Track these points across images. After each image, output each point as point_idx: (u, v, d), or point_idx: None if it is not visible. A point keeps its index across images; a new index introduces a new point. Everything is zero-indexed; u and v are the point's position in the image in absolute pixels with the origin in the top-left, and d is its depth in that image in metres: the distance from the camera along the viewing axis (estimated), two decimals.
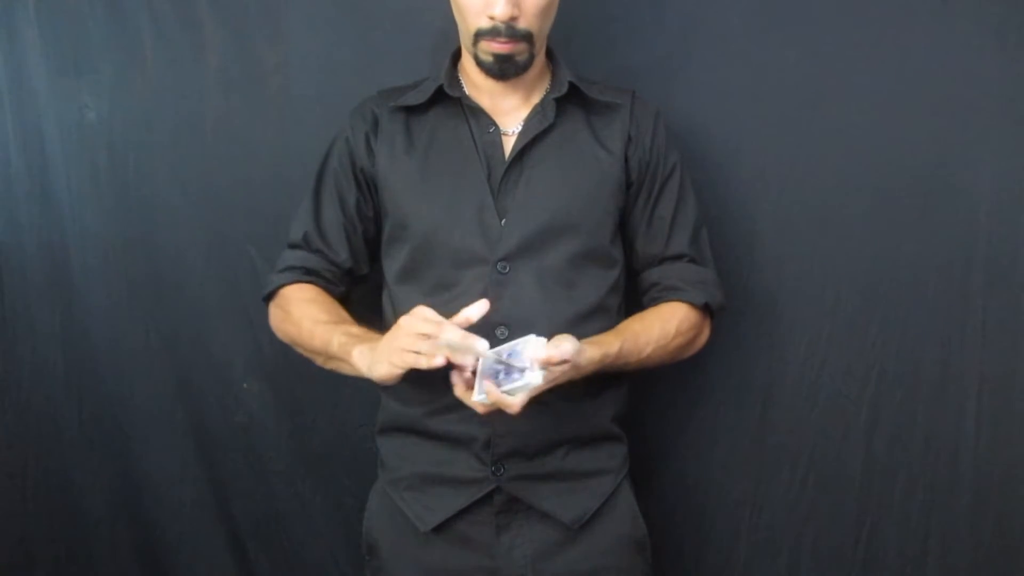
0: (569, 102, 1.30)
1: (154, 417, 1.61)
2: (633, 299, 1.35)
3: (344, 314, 1.29)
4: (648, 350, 1.24)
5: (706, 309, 1.32)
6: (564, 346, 1.11)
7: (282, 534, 1.64)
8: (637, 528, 1.33)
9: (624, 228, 1.34)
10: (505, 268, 1.23)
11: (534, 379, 1.09)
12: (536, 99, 1.30)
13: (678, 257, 1.32)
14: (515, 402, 1.09)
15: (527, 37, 1.21)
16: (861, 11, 1.43)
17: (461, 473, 1.25)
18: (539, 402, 1.21)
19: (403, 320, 1.11)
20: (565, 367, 1.11)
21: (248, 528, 1.64)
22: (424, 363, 1.08)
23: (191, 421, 1.61)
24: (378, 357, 1.13)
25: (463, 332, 1.07)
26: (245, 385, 1.60)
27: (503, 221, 1.24)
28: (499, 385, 1.09)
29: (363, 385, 1.35)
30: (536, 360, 1.08)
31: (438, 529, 1.26)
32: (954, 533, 1.49)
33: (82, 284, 1.59)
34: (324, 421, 1.60)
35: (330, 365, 1.26)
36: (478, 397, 1.11)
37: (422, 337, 1.08)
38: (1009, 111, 1.41)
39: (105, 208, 1.57)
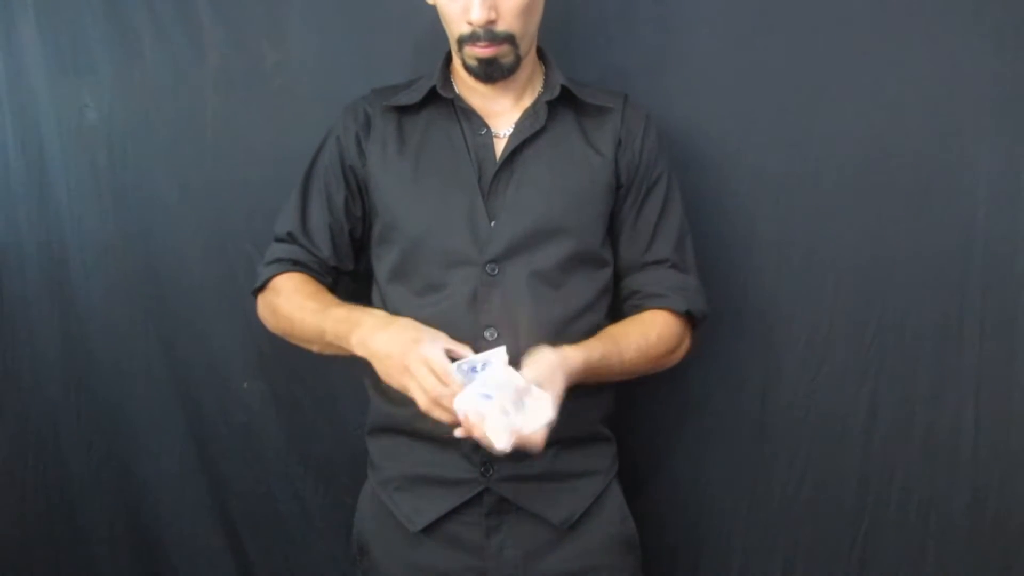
0: (561, 104, 1.29)
1: (154, 417, 1.61)
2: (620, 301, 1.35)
3: (332, 298, 1.29)
4: (629, 355, 1.23)
5: (688, 317, 1.31)
6: (546, 358, 1.12)
7: (282, 534, 1.64)
8: (626, 528, 1.33)
9: (610, 231, 1.33)
10: (494, 270, 1.23)
11: (548, 412, 1.07)
12: (528, 101, 1.30)
13: (660, 262, 1.32)
14: (540, 440, 1.08)
15: (509, 39, 1.21)
16: (859, 11, 1.43)
17: (451, 474, 1.25)
18: None
19: (424, 365, 1.10)
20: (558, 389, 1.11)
21: (248, 528, 1.64)
22: (422, 405, 1.11)
23: (191, 421, 1.61)
24: (390, 368, 1.14)
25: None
26: (245, 385, 1.60)
27: (493, 223, 1.24)
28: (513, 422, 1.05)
29: (362, 385, 1.35)
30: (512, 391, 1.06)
31: (428, 530, 1.26)
32: (952, 533, 1.49)
33: (81, 284, 1.59)
34: (324, 421, 1.60)
35: (328, 351, 1.26)
36: (501, 445, 1.05)
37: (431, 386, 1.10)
38: (1007, 110, 1.41)
39: (105, 208, 1.57)
